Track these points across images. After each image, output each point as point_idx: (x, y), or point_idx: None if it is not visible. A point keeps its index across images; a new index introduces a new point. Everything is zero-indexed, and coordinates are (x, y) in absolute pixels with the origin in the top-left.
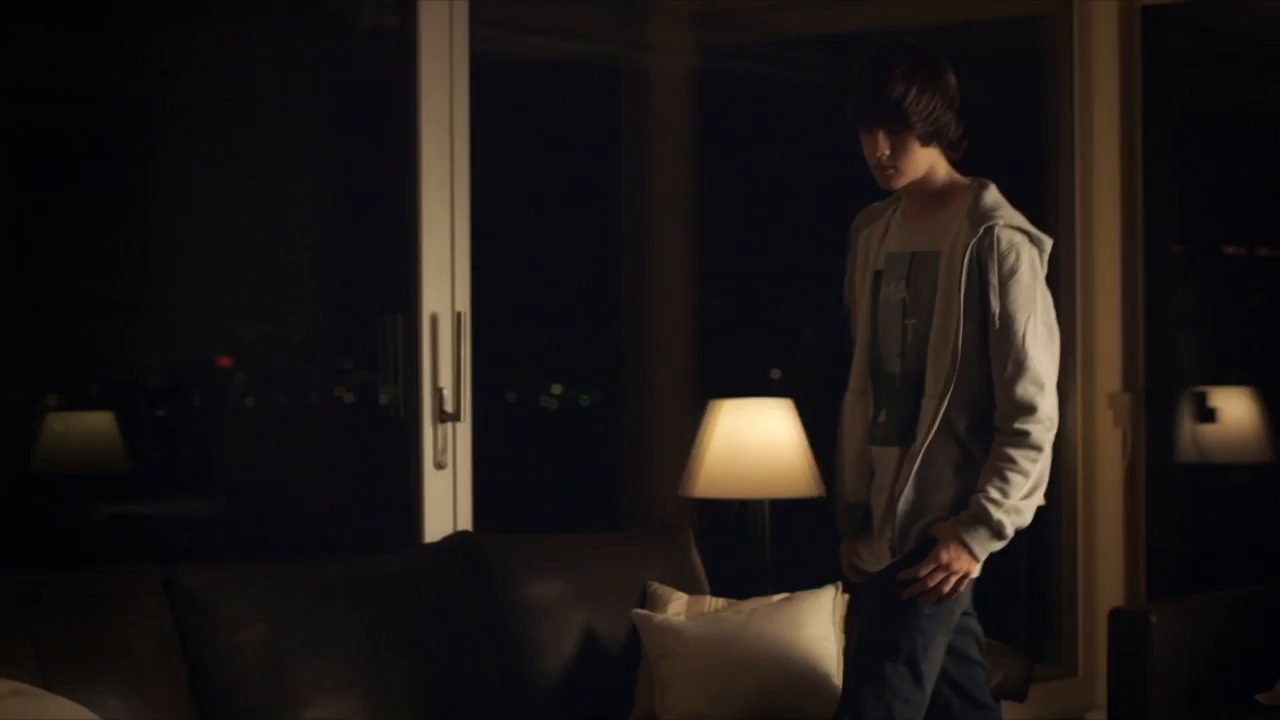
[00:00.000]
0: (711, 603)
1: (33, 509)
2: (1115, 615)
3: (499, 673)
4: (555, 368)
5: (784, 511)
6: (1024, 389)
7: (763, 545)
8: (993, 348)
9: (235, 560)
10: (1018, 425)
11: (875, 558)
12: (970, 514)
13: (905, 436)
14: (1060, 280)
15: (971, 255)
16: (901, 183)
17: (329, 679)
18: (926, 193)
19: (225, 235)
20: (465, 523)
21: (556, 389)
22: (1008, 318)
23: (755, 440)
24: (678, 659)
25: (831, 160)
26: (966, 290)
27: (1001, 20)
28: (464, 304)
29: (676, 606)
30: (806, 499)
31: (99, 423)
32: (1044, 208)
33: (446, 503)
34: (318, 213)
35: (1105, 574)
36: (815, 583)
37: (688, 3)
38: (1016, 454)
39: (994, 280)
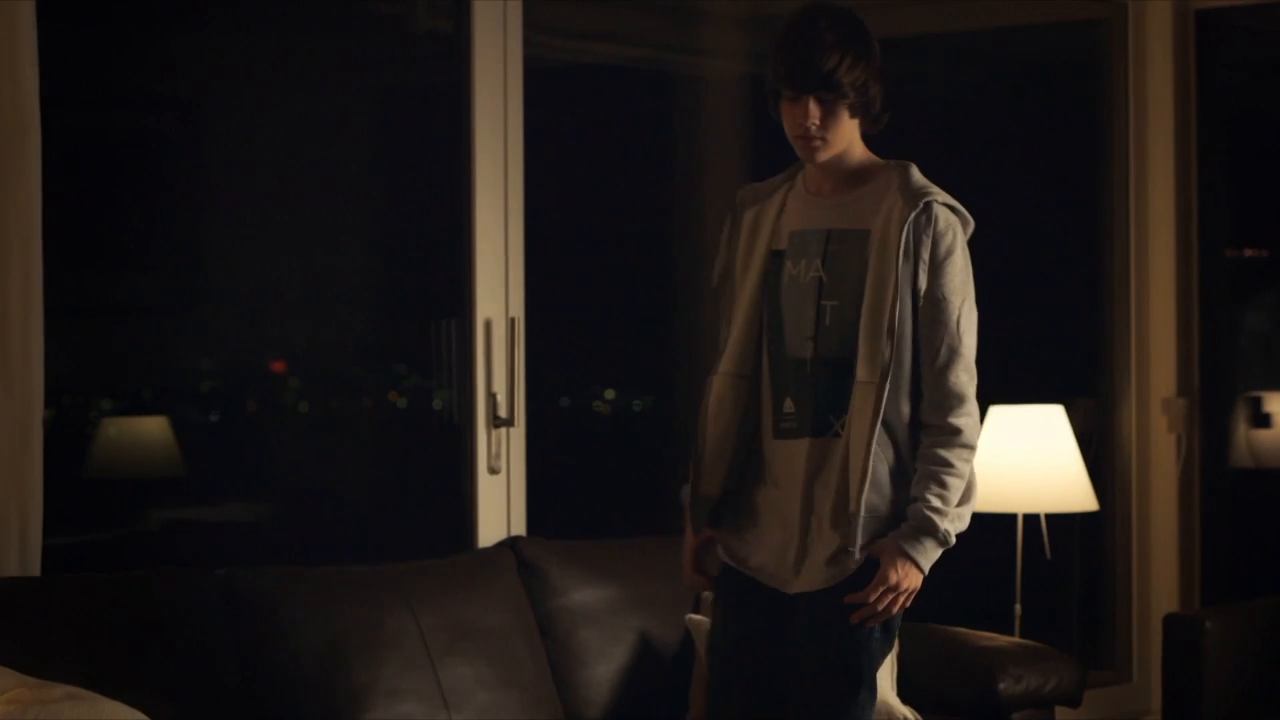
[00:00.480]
0: None
1: (88, 514)
2: (1169, 621)
3: (553, 677)
4: (608, 373)
5: None
6: (956, 377)
7: None
8: (922, 332)
9: (290, 564)
10: (950, 420)
11: (784, 564)
12: (913, 526)
13: (821, 429)
14: (1114, 285)
15: (908, 232)
16: (827, 155)
17: (384, 682)
18: (843, 169)
19: (278, 239)
20: (519, 528)
21: (610, 394)
22: (942, 300)
23: None
24: None
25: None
26: (902, 269)
27: (1055, 24)
28: (518, 309)
29: None
30: None
31: (153, 428)
32: (1098, 212)
33: (500, 508)
34: (371, 217)
35: (1159, 579)
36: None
37: (740, 6)
38: (951, 456)
39: (928, 259)
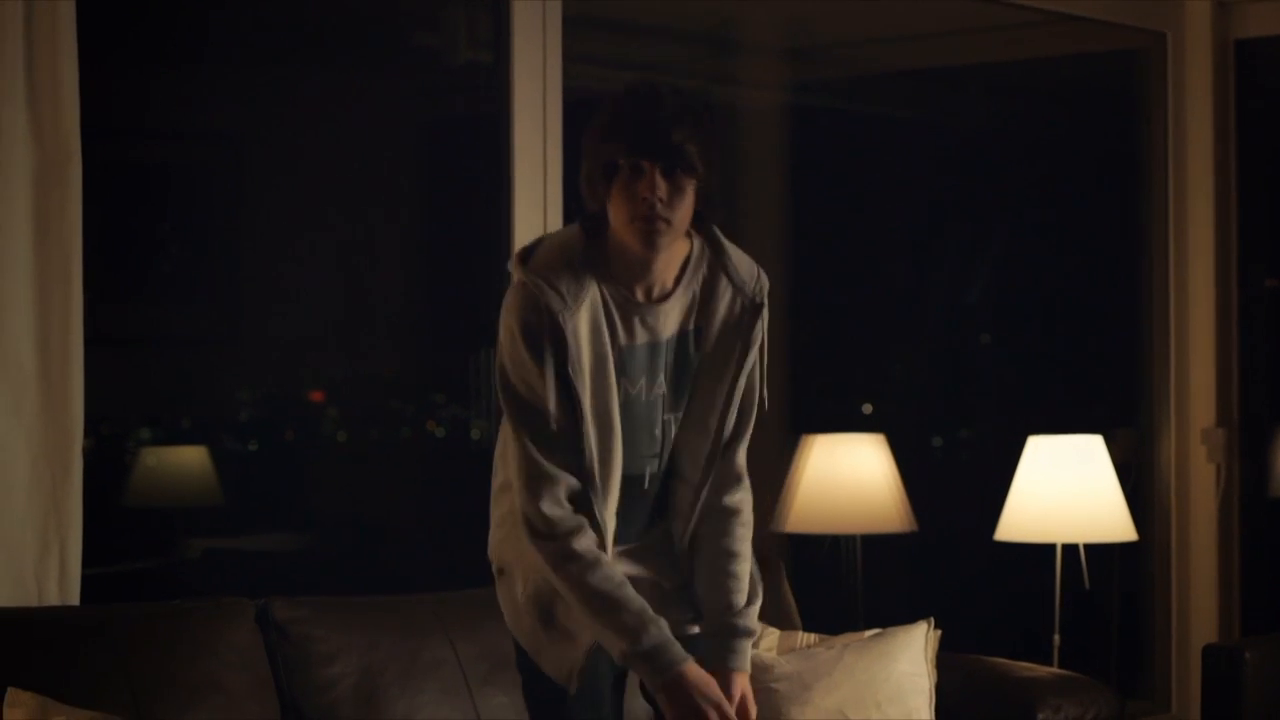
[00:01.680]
0: (803, 638)
1: (127, 544)
2: (1208, 651)
3: None
4: None
5: (876, 547)
6: (741, 453)
7: (854, 580)
8: (740, 414)
9: (328, 594)
10: (741, 497)
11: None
12: (739, 638)
13: (645, 535)
14: (1154, 315)
15: (747, 326)
16: (669, 241)
17: (421, 713)
18: (666, 260)
19: (318, 270)
20: None
21: None
22: (756, 379)
23: (847, 475)
24: (770, 694)
25: (921, 195)
26: (738, 362)
27: (1094, 55)
28: None
29: (769, 641)
30: (898, 534)
31: (192, 457)
32: (1138, 242)
33: None
34: (410, 247)
35: (1198, 609)
36: (907, 618)
37: (776, 37)
38: (748, 540)
39: (756, 346)
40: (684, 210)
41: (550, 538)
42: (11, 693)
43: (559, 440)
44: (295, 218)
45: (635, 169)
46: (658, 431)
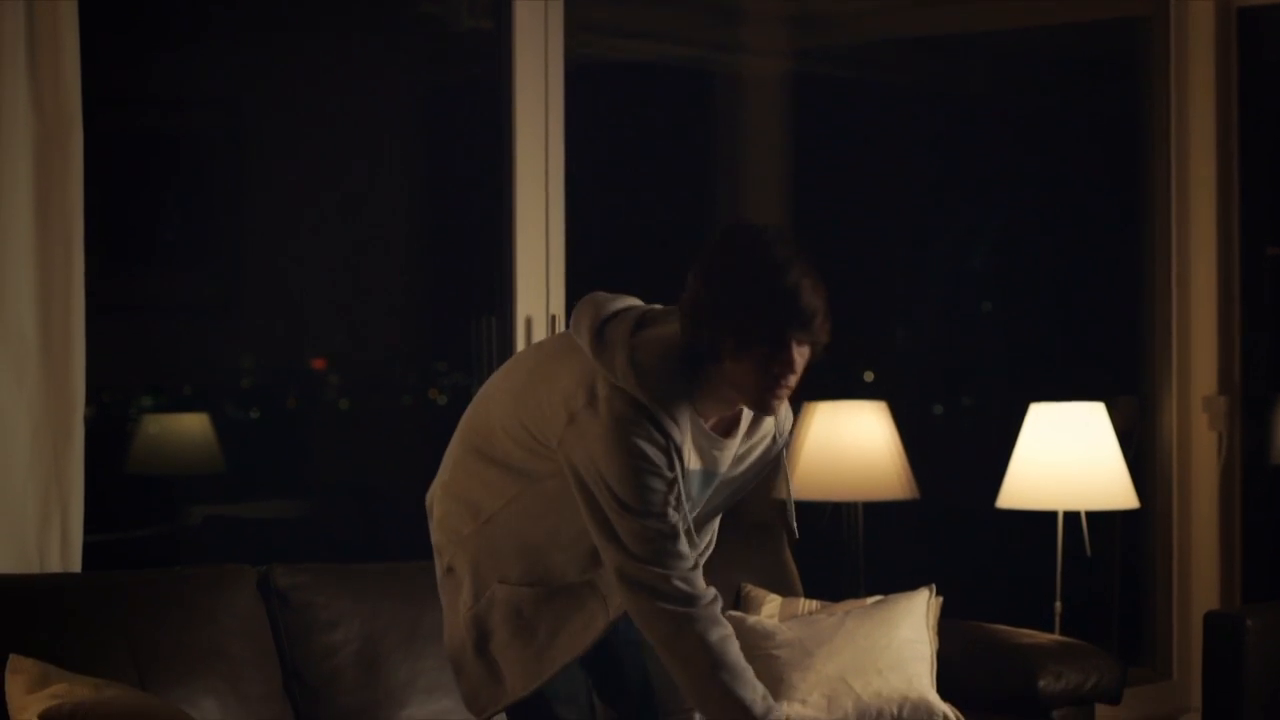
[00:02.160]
0: (805, 604)
1: (129, 511)
2: (1210, 618)
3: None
4: None
5: (877, 514)
6: None
7: (856, 548)
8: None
9: (329, 561)
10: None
11: None
12: None
13: None
14: (1155, 283)
15: (773, 459)
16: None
17: (422, 679)
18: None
19: (320, 237)
20: None
21: None
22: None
23: (849, 443)
24: (771, 660)
25: (923, 162)
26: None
27: (1097, 23)
28: (558, 306)
29: (770, 608)
30: (900, 501)
31: (194, 425)
32: (1140, 209)
33: None
34: (412, 215)
35: (1200, 577)
36: (909, 585)
37: (780, 4)
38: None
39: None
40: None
41: (692, 602)
42: (13, 659)
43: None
44: (297, 186)
45: (783, 345)
46: None
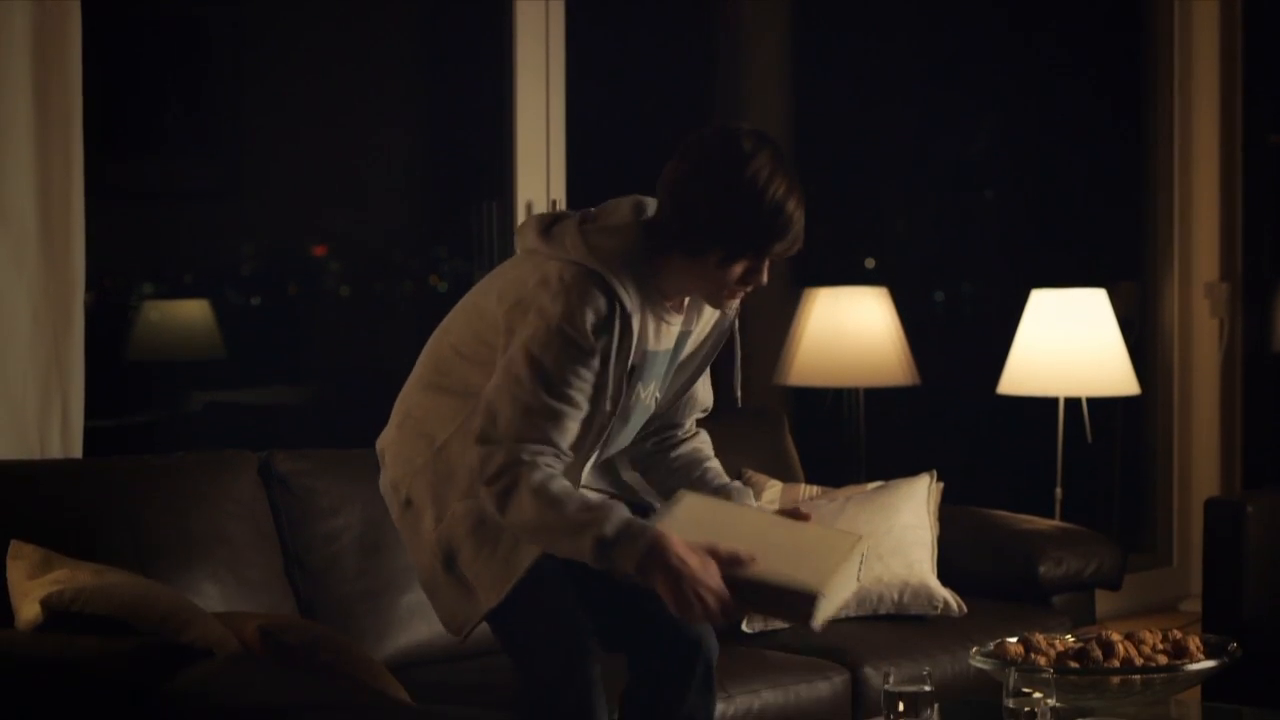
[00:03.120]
0: (806, 490)
1: (129, 397)
2: (1210, 505)
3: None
4: None
5: (878, 400)
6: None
7: (857, 433)
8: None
9: (330, 447)
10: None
11: None
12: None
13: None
14: (1158, 169)
15: (723, 335)
16: None
17: None
18: None
19: (321, 124)
20: None
21: None
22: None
23: (850, 328)
24: None
25: (925, 49)
26: (708, 358)
27: None
28: (559, 191)
29: (771, 494)
30: (901, 387)
31: (194, 311)
32: (1142, 96)
33: None
34: (412, 101)
35: (1200, 463)
36: (910, 471)
37: None
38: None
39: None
40: None
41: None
42: (14, 545)
43: (574, 414)
44: (298, 72)
45: (763, 257)
46: (638, 429)
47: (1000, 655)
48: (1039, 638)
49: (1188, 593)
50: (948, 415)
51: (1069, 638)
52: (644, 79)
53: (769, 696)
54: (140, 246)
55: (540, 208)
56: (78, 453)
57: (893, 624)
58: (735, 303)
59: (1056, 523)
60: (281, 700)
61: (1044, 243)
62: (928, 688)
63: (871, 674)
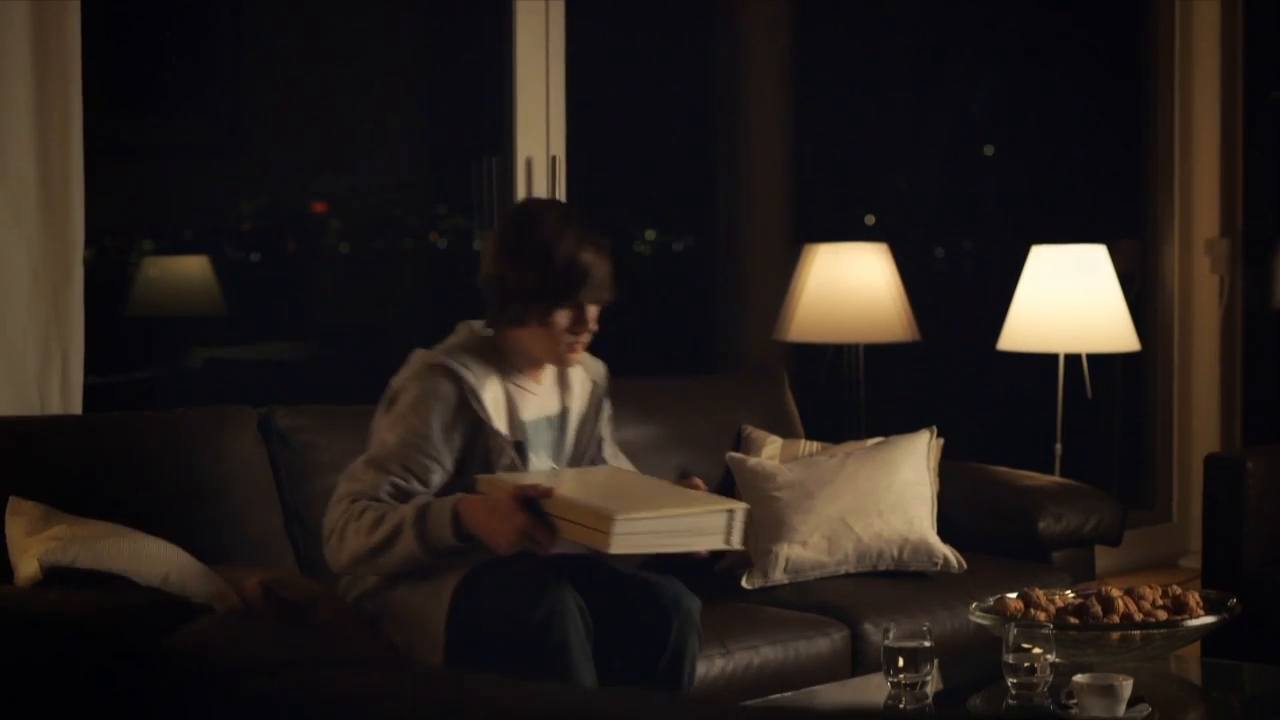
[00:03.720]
0: (805, 446)
1: (129, 353)
2: (1210, 461)
3: None
4: (649, 214)
5: (878, 356)
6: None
7: (857, 390)
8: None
9: (329, 403)
10: None
11: None
12: None
13: None
14: (1158, 126)
15: (600, 402)
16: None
17: None
18: None
19: (321, 81)
20: None
21: (650, 235)
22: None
23: (850, 285)
24: (772, 502)
25: (927, 5)
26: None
27: None
28: (558, 147)
29: (770, 450)
30: (901, 344)
31: (194, 267)
32: (1143, 53)
33: None
34: (413, 57)
35: (1200, 419)
36: (909, 427)
37: None
38: None
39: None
40: None
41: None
42: (13, 501)
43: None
44: (298, 29)
45: (578, 308)
46: None
47: (1000, 611)
48: (1039, 593)
49: (1187, 549)
50: (948, 371)
51: (1069, 593)
52: (644, 31)
53: (768, 653)
54: (140, 203)
55: (540, 164)
56: (77, 409)
57: (892, 580)
58: (597, 371)
59: (1056, 479)
60: (281, 656)
61: (1044, 199)
62: (927, 643)
63: (871, 630)
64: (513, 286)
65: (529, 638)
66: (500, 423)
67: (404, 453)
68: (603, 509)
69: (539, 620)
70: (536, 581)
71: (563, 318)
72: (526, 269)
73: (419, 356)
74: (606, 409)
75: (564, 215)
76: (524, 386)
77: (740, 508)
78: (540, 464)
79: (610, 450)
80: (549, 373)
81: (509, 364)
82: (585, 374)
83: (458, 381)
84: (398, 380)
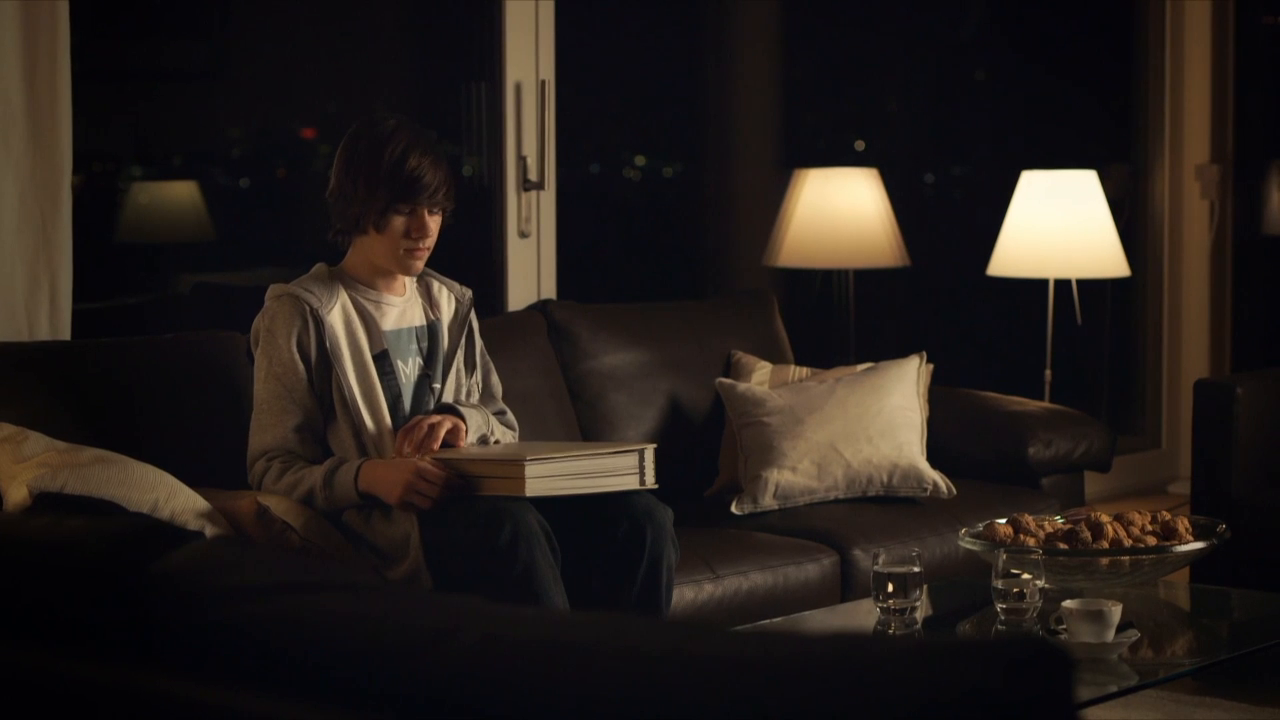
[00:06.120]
0: (795, 372)
1: (118, 279)
2: (1200, 386)
3: (582, 440)
4: (639, 139)
5: (868, 281)
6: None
7: (846, 315)
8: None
9: None
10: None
11: None
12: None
13: None
14: (1149, 50)
15: (466, 317)
16: (422, 266)
17: None
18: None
19: (310, 5)
20: (549, 291)
21: (640, 160)
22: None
23: (840, 210)
24: (761, 427)
25: None
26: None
27: None
28: (548, 71)
29: (760, 375)
30: (891, 269)
31: (183, 193)
32: None
33: (530, 271)
34: None
35: (1190, 345)
36: (899, 353)
37: None
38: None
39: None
40: (434, 238)
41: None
42: (1, 427)
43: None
44: None
45: (412, 210)
46: (448, 397)
47: (989, 537)
48: (1028, 519)
49: (1177, 475)
50: (938, 297)
51: (1058, 519)
52: None
53: (758, 578)
54: (129, 129)
55: (530, 89)
56: (66, 335)
57: (882, 506)
58: (461, 292)
59: (1046, 404)
60: (273, 580)
61: (1034, 124)
62: (917, 569)
63: (861, 555)
64: (349, 193)
65: (495, 561)
66: (360, 335)
67: (281, 391)
68: (514, 456)
69: (504, 543)
70: (499, 506)
71: (399, 223)
72: (360, 174)
73: (269, 291)
74: (476, 330)
75: (398, 124)
76: (381, 301)
77: (649, 448)
78: (410, 372)
79: (492, 395)
80: (408, 285)
81: (362, 283)
82: (450, 293)
83: (301, 303)
84: (255, 321)
